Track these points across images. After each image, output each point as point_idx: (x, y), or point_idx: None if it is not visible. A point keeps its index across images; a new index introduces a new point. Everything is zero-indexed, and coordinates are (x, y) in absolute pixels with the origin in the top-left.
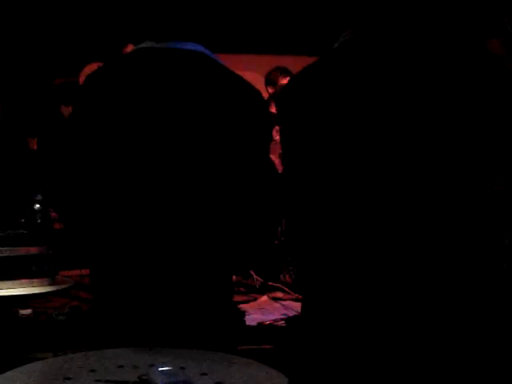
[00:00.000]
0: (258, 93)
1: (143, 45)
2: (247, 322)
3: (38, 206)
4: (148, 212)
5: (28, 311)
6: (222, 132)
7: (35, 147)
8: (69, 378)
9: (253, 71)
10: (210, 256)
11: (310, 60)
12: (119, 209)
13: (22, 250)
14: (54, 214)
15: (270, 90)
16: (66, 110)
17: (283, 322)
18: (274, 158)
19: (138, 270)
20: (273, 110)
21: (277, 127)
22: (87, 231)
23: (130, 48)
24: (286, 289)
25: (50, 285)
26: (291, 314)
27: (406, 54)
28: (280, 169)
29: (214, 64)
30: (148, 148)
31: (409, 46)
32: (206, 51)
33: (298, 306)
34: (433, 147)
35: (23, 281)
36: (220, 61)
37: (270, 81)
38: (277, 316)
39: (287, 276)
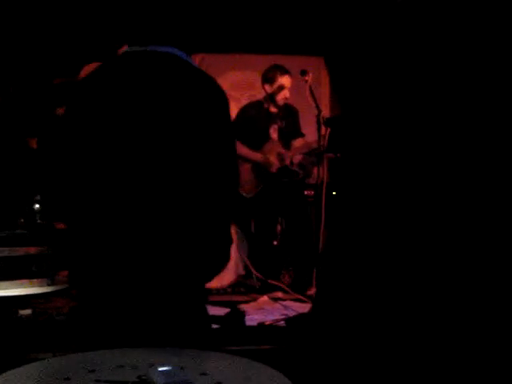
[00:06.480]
0: (218, 86)
1: (127, 49)
2: (247, 322)
3: (37, 206)
4: (133, 209)
5: (28, 311)
6: (186, 123)
7: (35, 147)
8: (68, 378)
9: (252, 71)
10: (202, 254)
11: (307, 60)
12: (105, 207)
13: (21, 250)
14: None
15: (268, 88)
16: (61, 111)
17: (283, 321)
18: (273, 158)
19: (134, 268)
20: (271, 108)
21: (274, 126)
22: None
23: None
24: (287, 288)
25: (50, 285)
26: (291, 314)
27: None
28: (277, 164)
29: (185, 64)
30: (123, 142)
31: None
32: (180, 53)
33: (297, 306)
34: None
35: (23, 281)
36: (191, 61)
37: (267, 79)
38: (277, 316)
39: (287, 276)
